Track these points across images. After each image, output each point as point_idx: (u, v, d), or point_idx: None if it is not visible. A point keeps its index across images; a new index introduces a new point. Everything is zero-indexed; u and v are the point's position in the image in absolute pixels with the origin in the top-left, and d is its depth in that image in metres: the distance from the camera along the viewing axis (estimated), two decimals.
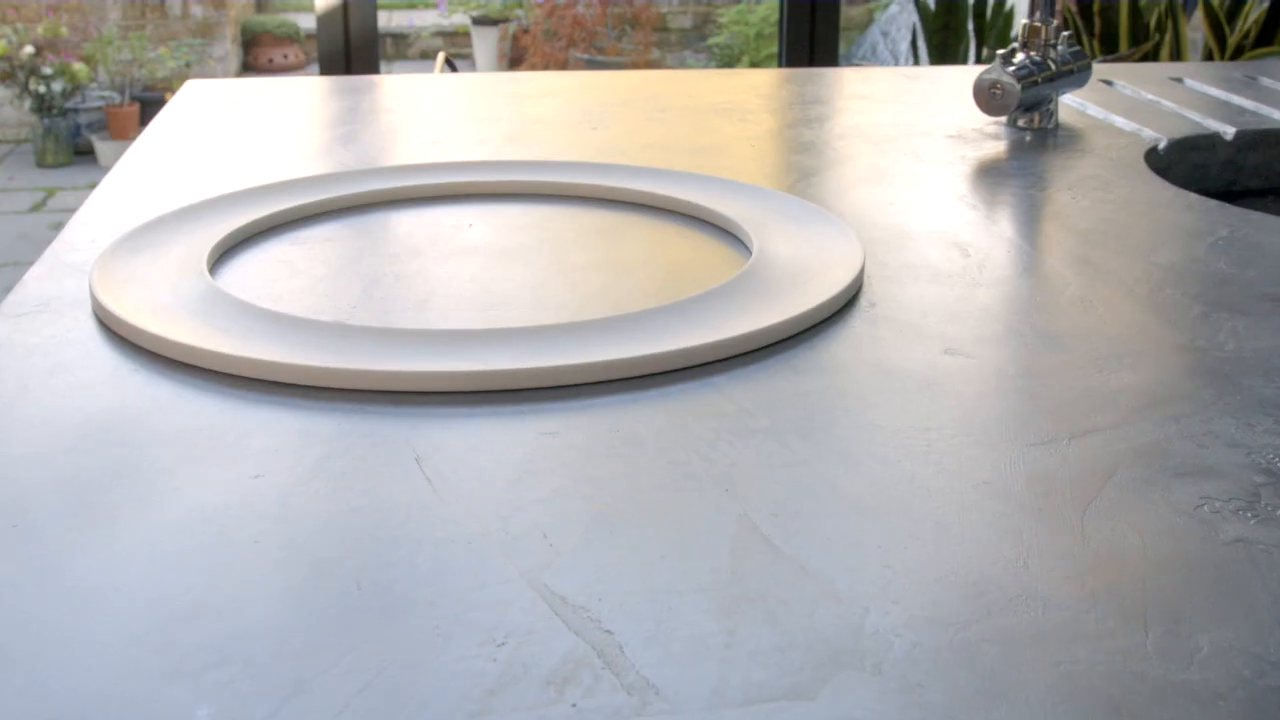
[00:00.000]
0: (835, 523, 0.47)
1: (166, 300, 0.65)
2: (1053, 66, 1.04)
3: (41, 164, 4.93)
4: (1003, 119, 1.06)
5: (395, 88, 1.24)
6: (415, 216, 0.82)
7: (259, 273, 0.73)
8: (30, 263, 0.77)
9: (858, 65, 4.31)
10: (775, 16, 4.44)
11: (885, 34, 4.47)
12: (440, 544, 0.45)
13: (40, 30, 5.15)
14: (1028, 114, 1.04)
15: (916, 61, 2.77)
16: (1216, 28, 2.51)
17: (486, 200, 0.86)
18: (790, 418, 0.55)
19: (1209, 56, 2.57)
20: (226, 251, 0.75)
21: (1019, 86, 1.00)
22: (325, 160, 0.95)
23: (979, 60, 2.72)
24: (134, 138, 1.03)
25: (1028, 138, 1.03)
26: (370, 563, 0.44)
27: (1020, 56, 1.03)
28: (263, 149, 0.99)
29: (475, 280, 0.71)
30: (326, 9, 2.58)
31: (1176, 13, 2.54)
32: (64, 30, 5.18)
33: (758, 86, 1.24)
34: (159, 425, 0.54)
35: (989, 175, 0.93)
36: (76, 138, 5.02)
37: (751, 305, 0.65)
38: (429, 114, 1.11)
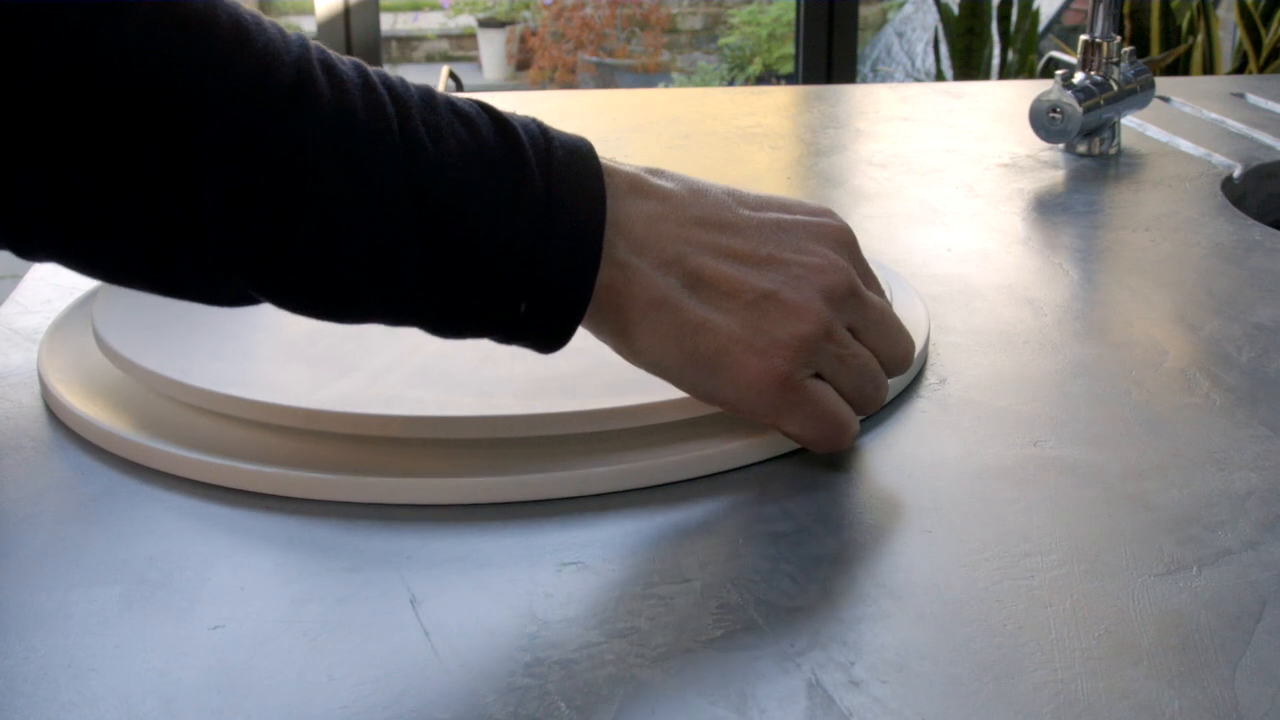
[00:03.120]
0: (930, 694, 0.38)
1: (124, 382, 0.56)
2: (1115, 86, 0.94)
3: None
4: (1061, 145, 0.97)
5: None
6: None
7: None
8: (23, 276, 0.70)
9: (875, 69, 4.21)
10: (788, 17, 4.34)
11: (900, 34, 4.38)
12: None
13: None
14: (1088, 139, 0.95)
15: (938, 65, 2.68)
16: (1252, 30, 2.41)
17: None
18: (861, 538, 0.46)
19: (1242, 59, 2.47)
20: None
21: (1081, 110, 0.91)
22: None
23: (1004, 65, 2.62)
24: None
25: (1089, 165, 0.93)
26: None
27: (1080, 76, 0.94)
28: None
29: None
30: (327, 14, 2.49)
31: (1209, 14, 2.45)
32: None
33: (785, 106, 1.15)
34: (102, 554, 0.45)
35: (1052, 212, 0.84)
36: None
37: None
38: None
